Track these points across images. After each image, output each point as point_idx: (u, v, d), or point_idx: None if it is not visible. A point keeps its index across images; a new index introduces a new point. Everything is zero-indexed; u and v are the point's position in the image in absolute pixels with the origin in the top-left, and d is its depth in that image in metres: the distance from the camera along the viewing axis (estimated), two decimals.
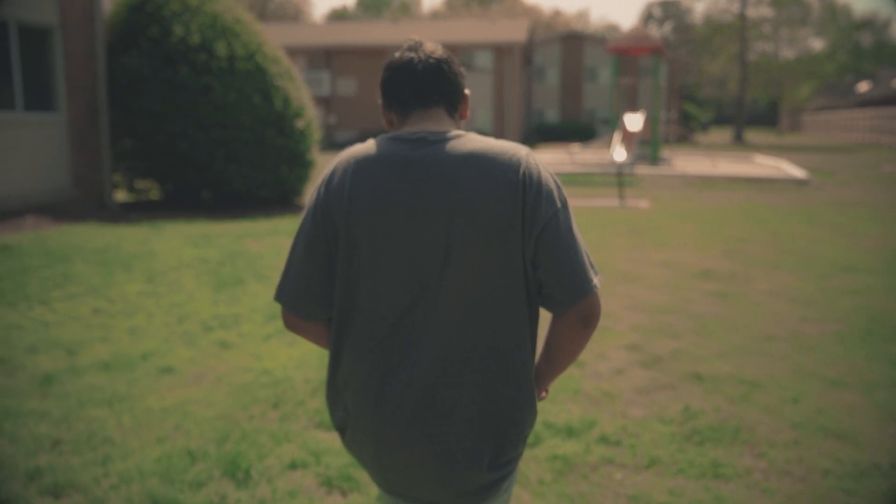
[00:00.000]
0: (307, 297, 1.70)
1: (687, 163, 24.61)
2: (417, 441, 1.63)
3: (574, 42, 47.24)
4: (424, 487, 1.68)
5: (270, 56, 12.70)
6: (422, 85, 1.70)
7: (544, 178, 1.64)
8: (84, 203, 12.08)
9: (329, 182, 1.67)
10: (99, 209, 12.08)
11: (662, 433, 4.02)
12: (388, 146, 1.66)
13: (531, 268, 1.64)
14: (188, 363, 4.93)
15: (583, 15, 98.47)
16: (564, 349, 1.72)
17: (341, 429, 1.76)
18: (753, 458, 3.73)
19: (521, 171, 1.61)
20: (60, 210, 11.18)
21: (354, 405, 1.69)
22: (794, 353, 5.31)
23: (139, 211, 12.29)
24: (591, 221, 11.75)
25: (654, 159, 23.50)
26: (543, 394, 1.84)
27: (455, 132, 1.67)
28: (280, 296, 1.73)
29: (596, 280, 1.64)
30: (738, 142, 44.84)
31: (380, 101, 1.78)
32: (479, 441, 1.64)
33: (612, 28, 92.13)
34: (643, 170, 20.94)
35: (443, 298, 1.61)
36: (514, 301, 1.63)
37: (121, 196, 14.04)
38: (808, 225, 11.51)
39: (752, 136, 54.81)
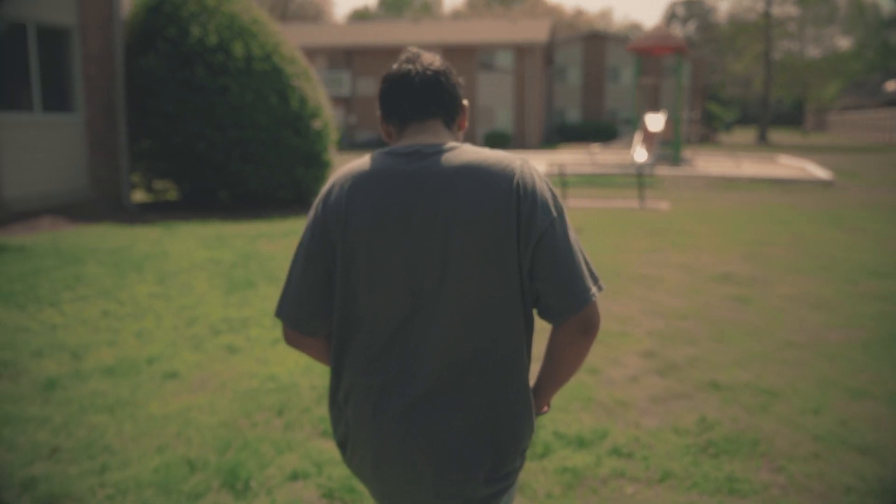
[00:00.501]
0: (307, 313, 1.71)
1: (709, 163, 24.31)
2: (415, 452, 1.63)
3: (596, 42, 46.92)
4: (423, 501, 1.67)
5: (287, 56, 12.66)
6: (419, 97, 1.71)
7: (539, 189, 1.64)
8: (101, 204, 12.11)
9: (327, 199, 1.69)
10: (116, 210, 12.10)
11: (677, 445, 3.89)
12: (383, 161, 1.67)
13: (528, 278, 1.64)
14: (194, 368, 4.86)
15: (605, 14, 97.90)
16: (564, 360, 1.72)
17: (342, 444, 1.75)
18: (771, 472, 3.59)
19: (515, 181, 1.62)
20: (78, 211, 11.20)
21: (354, 418, 1.69)
22: (815, 361, 5.14)
23: (156, 211, 12.30)
24: (610, 223, 11.58)
25: (676, 160, 23.21)
26: (545, 408, 1.82)
27: (450, 144, 1.68)
28: (280, 312, 1.74)
29: (594, 288, 1.65)
30: (762, 142, 44.30)
31: (378, 113, 1.79)
32: (477, 452, 1.64)
33: (635, 27, 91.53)
34: (664, 170, 20.69)
35: (441, 309, 1.62)
36: (511, 310, 1.64)
37: (139, 196, 14.08)
38: (833, 227, 11.27)
39: (777, 136, 54.21)
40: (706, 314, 6.33)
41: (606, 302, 6.72)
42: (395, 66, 1.75)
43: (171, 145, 12.07)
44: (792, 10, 49.95)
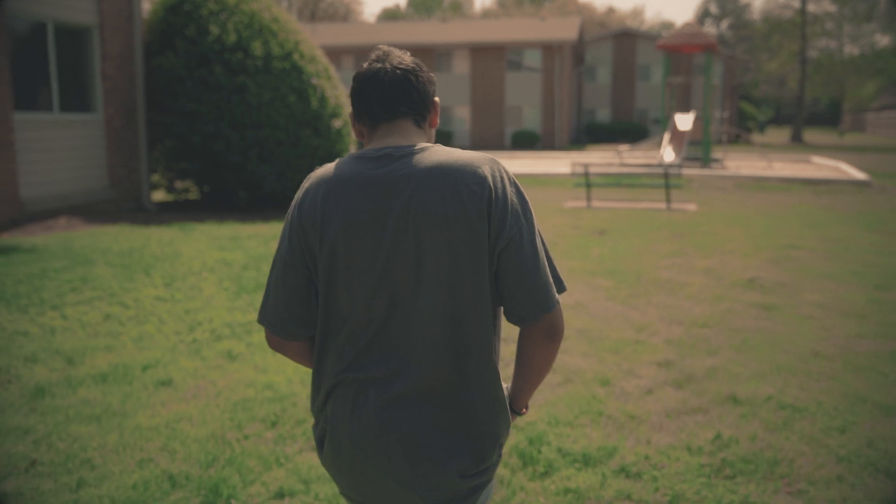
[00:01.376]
0: (289, 318, 1.74)
1: (740, 164, 23.83)
2: (392, 445, 1.66)
3: (627, 40, 46.37)
4: (399, 497, 1.70)
5: (307, 55, 12.53)
6: (388, 96, 1.72)
7: (510, 193, 1.66)
8: (121, 204, 12.08)
9: (301, 205, 1.71)
10: (135, 210, 12.07)
11: (689, 464, 3.65)
12: (354, 166, 1.69)
13: (494, 280, 1.69)
14: (189, 375, 4.71)
15: (637, 12, 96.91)
16: (531, 364, 1.76)
17: (320, 441, 1.78)
18: (791, 496, 3.34)
19: (486, 184, 1.63)
20: (97, 211, 11.18)
21: (333, 414, 1.72)
22: (843, 374, 4.86)
23: (174, 212, 12.24)
24: (634, 225, 11.29)
25: (706, 160, 22.74)
26: (524, 410, 1.86)
27: (421, 145, 1.70)
28: (262, 318, 1.78)
29: (558, 295, 1.70)
30: (797, 142, 43.45)
31: (349, 112, 1.81)
32: (454, 447, 1.68)
33: (667, 26, 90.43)
34: (693, 171, 20.28)
35: (419, 310, 1.65)
36: (483, 310, 1.67)
37: (162, 196, 14.06)
38: (866, 231, 10.87)
39: (812, 136, 53.17)
40: (728, 322, 6.05)
41: (624, 308, 6.47)
42: (364, 65, 1.75)
43: (190, 145, 11.99)
44: (829, 6, 48.90)
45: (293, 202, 1.75)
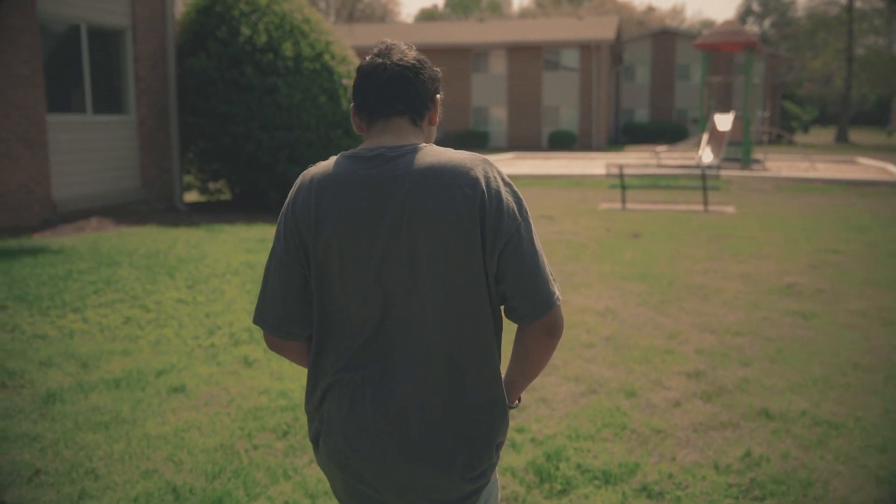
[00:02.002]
0: (286, 318, 1.72)
1: (781, 165, 23.29)
2: (389, 445, 1.65)
3: (666, 39, 45.70)
4: (397, 498, 1.68)
5: (338, 56, 12.47)
6: (386, 92, 1.70)
7: (504, 193, 1.65)
8: (153, 204, 12.14)
9: (294, 205, 1.70)
10: (167, 211, 12.12)
11: (716, 484, 3.46)
12: (347, 166, 1.68)
13: (494, 281, 1.66)
14: (203, 382, 4.62)
15: (677, 11, 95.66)
16: (531, 360, 1.76)
17: (315, 440, 1.77)
18: None
19: (480, 186, 1.62)
20: (128, 211, 11.23)
21: (330, 412, 1.71)
22: (885, 388, 4.61)
23: (205, 213, 12.26)
24: (670, 228, 11.02)
25: (746, 161, 22.24)
26: (516, 402, 1.85)
27: (416, 146, 1.68)
28: (259, 319, 1.76)
29: (558, 292, 1.69)
30: (842, 142, 42.43)
31: (351, 105, 1.79)
32: (451, 448, 1.66)
33: (708, 24, 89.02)
34: (733, 172, 19.84)
35: (414, 311, 1.65)
36: (480, 311, 1.66)
37: (194, 197, 14.12)
38: None
39: (858, 136, 51.90)
40: (763, 331, 5.81)
41: (655, 314, 6.26)
42: (367, 59, 1.73)
43: (222, 146, 12.01)
44: (877, 3, 47.66)
45: (287, 199, 1.74)
